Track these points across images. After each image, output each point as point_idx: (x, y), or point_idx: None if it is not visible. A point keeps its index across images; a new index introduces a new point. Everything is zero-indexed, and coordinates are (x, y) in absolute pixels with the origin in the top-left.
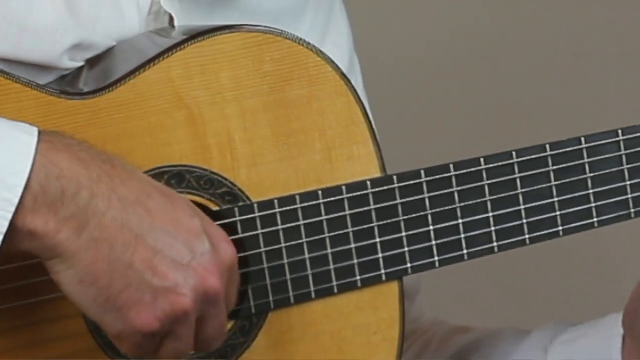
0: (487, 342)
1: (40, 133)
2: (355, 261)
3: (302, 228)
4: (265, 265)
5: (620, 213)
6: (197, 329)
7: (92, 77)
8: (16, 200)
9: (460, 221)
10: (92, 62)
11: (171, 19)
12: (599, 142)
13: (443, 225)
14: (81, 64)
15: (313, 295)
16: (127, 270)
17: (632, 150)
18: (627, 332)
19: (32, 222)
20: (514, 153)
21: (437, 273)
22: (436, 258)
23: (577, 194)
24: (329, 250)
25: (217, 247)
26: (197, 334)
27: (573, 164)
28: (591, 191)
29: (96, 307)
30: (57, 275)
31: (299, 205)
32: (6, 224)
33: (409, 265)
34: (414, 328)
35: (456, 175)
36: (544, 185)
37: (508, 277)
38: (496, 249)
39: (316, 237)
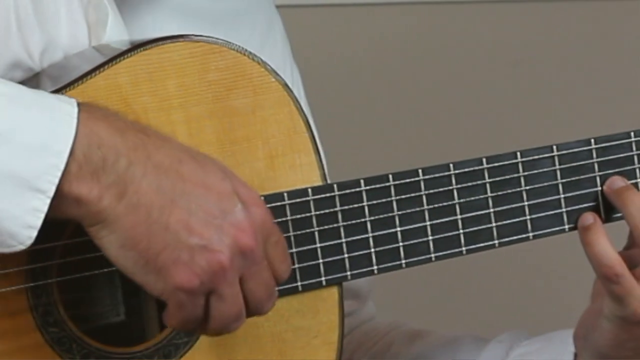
0: (446, 349)
1: (79, 103)
2: (296, 266)
3: None
4: None
5: (555, 228)
6: (243, 290)
7: (48, 82)
8: (62, 166)
9: (398, 229)
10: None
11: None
12: (535, 157)
13: (381, 232)
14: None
15: None
16: (164, 232)
17: (566, 166)
18: (578, 352)
19: (77, 189)
20: (451, 165)
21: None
22: (374, 265)
23: (512, 206)
24: None
25: (249, 208)
26: (243, 295)
27: (509, 177)
28: (526, 203)
29: (138, 269)
30: (100, 240)
31: None
32: (53, 188)
33: (348, 272)
34: (369, 328)
35: (395, 185)
36: (480, 197)
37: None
38: (433, 258)
39: None
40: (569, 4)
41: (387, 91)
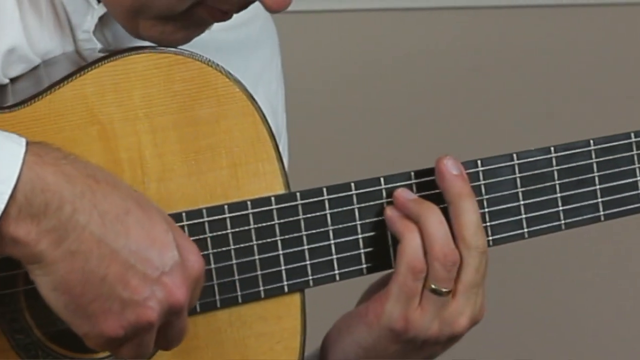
0: None
1: (27, 144)
2: (259, 273)
3: (209, 240)
4: None
5: (515, 232)
6: (160, 334)
7: (18, 91)
8: (2, 206)
9: (360, 236)
10: (16, 79)
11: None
12: (495, 165)
13: (343, 239)
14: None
15: (218, 304)
16: (100, 282)
17: (527, 173)
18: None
19: (15, 231)
20: (412, 173)
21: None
22: (336, 271)
23: None
24: (234, 262)
25: (186, 260)
26: (158, 337)
27: (472, 184)
28: (486, 210)
29: (67, 312)
30: (35, 279)
31: (205, 219)
32: None
33: (310, 277)
34: None
35: (357, 194)
36: (441, 206)
37: None
38: (393, 265)
39: (222, 249)
40: (540, 10)
41: (353, 98)
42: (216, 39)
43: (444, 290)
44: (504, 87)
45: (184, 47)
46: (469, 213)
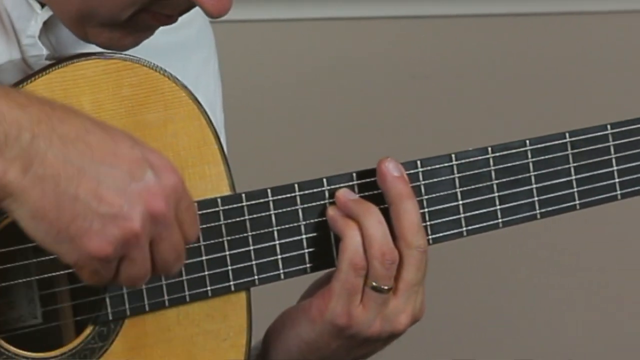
0: None
1: None
2: (206, 272)
3: None
4: None
5: (454, 231)
6: (153, 252)
7: None
8: None
9: (304, 237)
10: None
11: None
12: (434, 166)
13: (288, 240)
14: None
15: (167, 303)
16: (74, 202)
17: (466, 173)
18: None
19: None
20: (354, 174)
21: None
22: (281, 271)
23: None
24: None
25: (160, 173)
26: (152, 256)
27: (412, 185)
28: (426, 209)
29: (50, 239)
30: (12, 214)
31: None
32: None
33: (256, 277)
34: None
35: (300, 195)
36: (381, 207)
37: None
38: (335, 264)
39: None
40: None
41: (297, 102)
42: (155, 42)
43: (384, 287)
44: (443, 90)
45: (129, 51)
46: (409, 214)
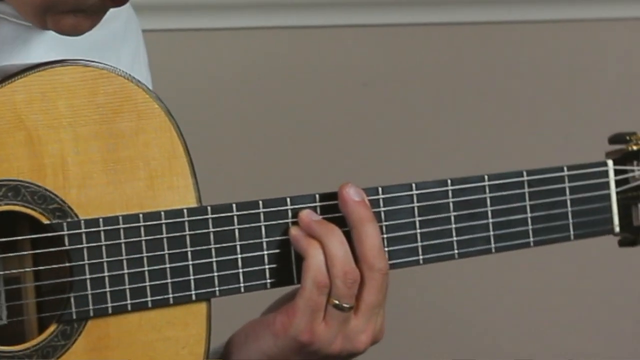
0: None
1: None
2: (169, 280)
3: (123, 246)
4: (88, 277)
5: (411, 258)
6: None
7: None
8: None
9: (265, 253)
10: None
11: None
12: (395, 194)
13: (249, 254)
14: None
15: (129, 307)
16: None
17: (425, 203)
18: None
19: None
20: (317, 196)
21: None
22: (242, 284)
23: None
24: (146, 268)
25: None
26: None
27: (374, 210)
28: (385, 236)
29: None
30: None
31: (121, 226)
32: None
33: (217, 288)
34: None
35: (264, 212)
36: (344, 229)
37: None
38: (295, 281)
39: (135, 255)
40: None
41: (242, 115)
42: (87, 38)
43: (345, 306)
44: (394, 99)
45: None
46: (371, 237)
